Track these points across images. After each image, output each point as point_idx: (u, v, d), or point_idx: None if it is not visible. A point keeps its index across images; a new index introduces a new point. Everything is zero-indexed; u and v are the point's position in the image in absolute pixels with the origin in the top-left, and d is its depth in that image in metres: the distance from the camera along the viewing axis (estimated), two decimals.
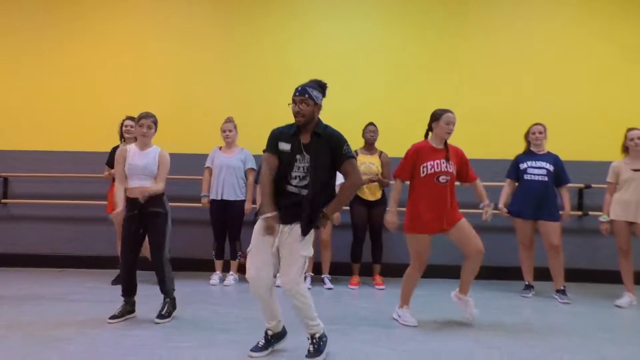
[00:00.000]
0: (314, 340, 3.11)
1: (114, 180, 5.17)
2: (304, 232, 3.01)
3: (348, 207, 5.33)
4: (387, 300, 4.76)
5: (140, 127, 3.92)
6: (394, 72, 6.07)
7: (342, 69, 6.07)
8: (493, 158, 5.83)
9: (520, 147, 5.22)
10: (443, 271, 5.73)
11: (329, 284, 5.28)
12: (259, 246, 3.06)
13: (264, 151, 3.24)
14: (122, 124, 5.32)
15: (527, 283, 5.09)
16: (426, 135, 3.98)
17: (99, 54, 6.25)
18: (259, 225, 3.08)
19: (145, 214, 3.88)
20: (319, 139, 3.07)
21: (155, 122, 3.99)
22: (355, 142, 5.45)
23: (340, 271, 5.70)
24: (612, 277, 5.56)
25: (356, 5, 6.16)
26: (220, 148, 5.54)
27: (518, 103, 5.96)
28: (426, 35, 6.10)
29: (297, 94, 3.05)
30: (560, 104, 5.93)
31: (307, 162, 3.05)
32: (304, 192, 3.03)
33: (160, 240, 3.91)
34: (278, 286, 5.00)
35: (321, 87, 3.16)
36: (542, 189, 4.84)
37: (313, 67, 6.07)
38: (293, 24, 6.17)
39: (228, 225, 5.42)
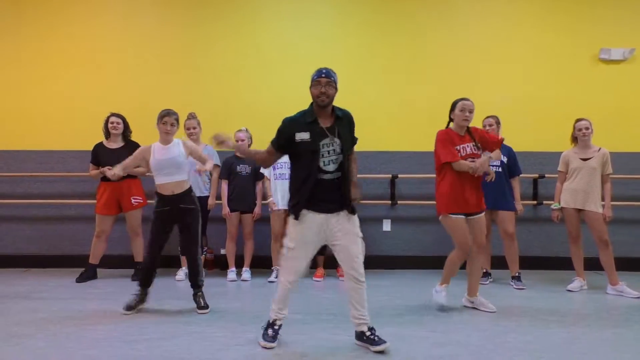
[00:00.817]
0: (372, 330, 3.17)
1: (102, 179, 5.26)
2: (354, 211, 3.14)
3: None
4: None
5: (164, 124, 3.99)
6: (352, 69, 6.17)
7: (304, 62, 6.16)
8: None
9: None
10: (403, 262, 5.92)
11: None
12: (302, 247, 3.12)
13: (271, 142, 3.21)
14: (107, 121, 5.31)
15: (484, 271, 5.28)
16: (447, 126, 4.12)
17: (62, 54, 6.21)
18: (295, 224, 3.11)
19: (177, 211, 3.98)
20: (341, 120, 3.16)
21: (178, 120, 4.10)
22: None
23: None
24: (565, 264, 5.79)
25: (321, 2, 6.26)
26: None
27: (473, 97, 6.11)
28: (382, 33, 6.22)
29: (324, 75, 3.08)
30: (512, 97, 6.14)
31: (335, 146, 3.09)
32: (338, 174, 3.09)
33: (194, 236, 4.06)
34: (272, 281, 5.20)
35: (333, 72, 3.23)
36: (496, 180, 4.98)
37: (275, 62, 6.16)
38: (255, 18, 6.23)
39: None
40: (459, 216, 3.92)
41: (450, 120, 4.09)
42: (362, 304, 3.16)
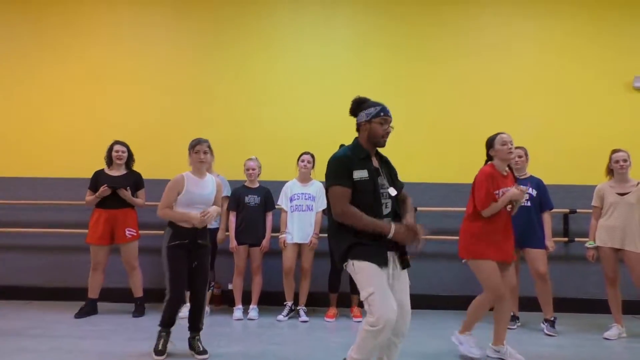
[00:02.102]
0: None
1: (96, 205, 5.05)
2: (407, 264, 2.83)
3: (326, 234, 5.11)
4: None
5: (197, 153, 3.78)
6: (370, 97, 5.88)
7: (316, 86, 5.93)
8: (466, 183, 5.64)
9: None
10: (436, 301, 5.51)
11: (304, 317, 5.02)
12: (382, 285, 2.63)
13: (329, 185, 2.77)
14: (110, 149, 5.16)
15: (512, 314, 4.84)
16: (486, 162, 3.82)
17: (56, 78, 6.11)
18: (369, 266, 2.64)
19: (193, 246, 3.75)
20: (386, 164, 2.97)
21: (210, 147, 3.91)
22: None
23: (319, 302, 5.44)
24: (601, 307, 5.32)
25: (333, 29, 6.06)
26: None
27: (497, 128, 5.78)
28: (403, 59, 5.98)
29: (390, 114, 2.89)
30: (540, 127, 5.78)
31: (386, 189, 2.82)
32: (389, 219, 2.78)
33: (205, 272, 3.85)
34: (305, 321, 4.89)
35: None
36: (525, 215, 4.61)
37: (287, 89, 5.95)
38: (271, 45, 6.06)
39: None
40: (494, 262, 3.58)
41: (489, 158, 3.76)
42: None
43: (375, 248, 2.67)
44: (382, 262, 2.65)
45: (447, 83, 5.94)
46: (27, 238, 5.88)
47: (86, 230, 5.45)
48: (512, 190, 3.54)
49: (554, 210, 4.87)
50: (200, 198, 3.74)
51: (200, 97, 6.03)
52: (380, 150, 2.97)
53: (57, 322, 4.74)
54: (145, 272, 5.36)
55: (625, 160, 4.48)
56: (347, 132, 5.60)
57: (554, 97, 5.86)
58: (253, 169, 5.20)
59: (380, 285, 2.58)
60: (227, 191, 5.30)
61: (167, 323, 3.76)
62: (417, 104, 5.92)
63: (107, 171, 5.16)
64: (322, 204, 5.09)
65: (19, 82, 6.10)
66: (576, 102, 5.84)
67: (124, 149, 5.16)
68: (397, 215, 2.82)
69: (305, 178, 5.17)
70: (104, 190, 4.94)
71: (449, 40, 5.99)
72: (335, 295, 5.18)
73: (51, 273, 5.84)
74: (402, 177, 5.52)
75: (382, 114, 2.83)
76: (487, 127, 5.68)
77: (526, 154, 4.85)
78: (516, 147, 4.84)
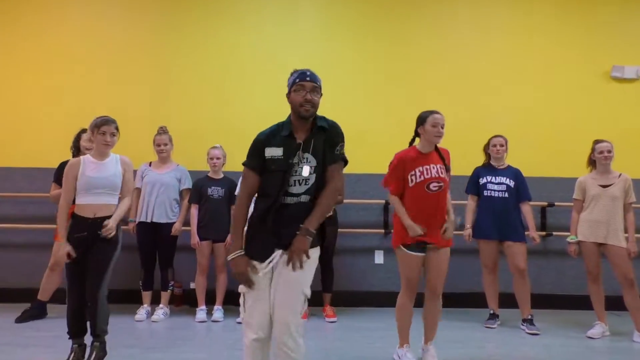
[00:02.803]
0: None
1: None
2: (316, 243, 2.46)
3: None
4: (338, 336, 4.18)
5: (102, 135, 3.29)
6: (342, 83, 5.58)
7: (283, 75, 5.54)
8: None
9: (478, 163, 4.85)
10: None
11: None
12: (256, 291, 2.41)
13: (243, 164, 2.52)
14: (78, 137, 4.52)
15: (491, 312, 4.63)
16: (411, 143, 3.51)
17: (8, 62, 5.53)
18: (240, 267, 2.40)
19: (94, 238, 3.22)
20: (321, 134, 2.49)
21: (118, 129, 3.38)
22: None
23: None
24: (579, 303, 5.21)
25: (303, 9, 5.69)
26: (151, 164, 4.90)
27: (477, 116, 5.59)
28: (376, 42, 5.66)
29: (308, 78, 2.45)
30: (521, 118, 5.59)
31: (308, 162, 2.44)
32: (304, 198, 2.43)
33: (101, 268, 3.24)
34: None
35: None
36: (502, 206, 4.46)
37: (254, 75, 5.56)
38: (234, 29, 5.63)
39: (159, 251, 4.76)
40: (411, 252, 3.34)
41: (417, 135, 3.47)
42: None
43: (260, 244, 2.41)
44: (263, 258, 2.39)
45: (419, 69, 5.66)
46: None
47: (30, 226, 4.97)
48: (412, 228, 3.28)
49: (531, 203, 4.68)
50: (100, 182, 3.28)
51: (158, 82, 5.55)
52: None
53: None
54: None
55: (609, 151, 4.31)
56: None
57: (532, 87, 5.67)
58: (217, 158, 4.79)
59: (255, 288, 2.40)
60: (188, 183, 4.89)
61: (71, 332, 3.27)
62: (387, 90, 5.63)
63: None
64: None
65: None
66: (554, 93, 5.66)
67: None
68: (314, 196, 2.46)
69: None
70: None
71: (422, 23, 5.71)
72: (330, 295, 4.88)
73: None
74: (375, 169, 5.45)
75: (297, 80, 2.47)
76: (462, 116, 5.53)
77: (506, 143, 4.66)
78: (496, 136, 4.68)
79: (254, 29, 5.64)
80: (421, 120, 3.39)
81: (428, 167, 3.29)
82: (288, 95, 2.51)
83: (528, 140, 5.52)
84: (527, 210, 4.59)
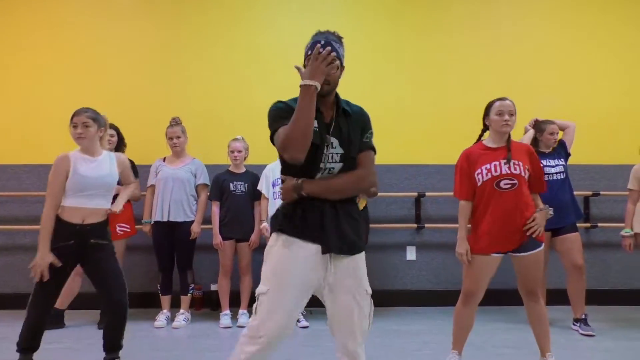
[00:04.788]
0: None
1: None
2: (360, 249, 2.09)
3: None
4: (379, 342, 3.85)
5: (74, 127, 2.93)
6: (368, 70, 5.22)
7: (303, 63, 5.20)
8: None
9: None
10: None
11: (303, 322, 4.32)
12: (283, 282, 1.99)
13: (272, 132, 2.08)
14: None
15: None
16: (480, 137, 3.16)
17: (7, 55, 5.18)
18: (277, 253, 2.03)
19: (84, 246, 2.88)
20: (348, 118, 2.13)
21: (97, 119, 2.99)
22: None
23: (316, 302, 4.75)
24: (626, 298, 4.88)
25: None
26: (164, 159, 4.56)
27: (523, 101, 5.21)
28: (408, 28, 5.31)
29: (323, 42, 2.09)
30: (563, 103, 5.21)
31: (334, 149, 2.07)
32: None
33: (117, 276, 2.97)
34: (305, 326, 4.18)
35: (341, 40, 2.25)
36: (562, 189, 4.10)
37: (274, 60, 5.17)
38: (250, 13, 5.27)
39: (177, 252, 4.43)
40: (478, 256, 2.94)
41: (485, 128, 3.12)
42: None
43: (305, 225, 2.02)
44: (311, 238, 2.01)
45: (456, 56, 5.30)
46: None
47: (36, 227, 4.62)
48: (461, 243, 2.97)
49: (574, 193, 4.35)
50: (96, 182, 2.94)
51: (174, 72, 5.20)
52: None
53: (4, 338, 3.91)
54: (129, 273, 4.56)
55: None
56: None
57: (573, 71, 5.31)
58: (239, 151, 4.45)
59: (278, 283, 1.99)
60: (204, 178, 4.55)
61: (25, 348, 2.94)
62: (423, 79, 5.28)
63: None
64: None
65: None
66: (599, 77, 5.31)
67: (113, 132, 4.28)
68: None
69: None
70: None
71: (459, 9, 5.34)
72: None
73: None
74: (406, 159, 5.10)
75: (309, 52, 2.14)
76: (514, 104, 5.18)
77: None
78: (550, 122, 4.28)
79: (278, 12, 5.29)
80: (487, 109, 3.04)
81: (497, 163, 2.89)
82: (303, 68, 2.11)
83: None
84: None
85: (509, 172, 2.87)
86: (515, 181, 2.87)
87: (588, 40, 5.34)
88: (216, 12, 5.24)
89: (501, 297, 4.63)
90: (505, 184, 2.87)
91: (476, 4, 5.36)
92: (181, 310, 4.42)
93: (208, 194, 4.54)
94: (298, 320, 4.33)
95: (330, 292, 2.05)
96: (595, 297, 4.99)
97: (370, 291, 2.13)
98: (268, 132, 2.13)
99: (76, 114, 2.96)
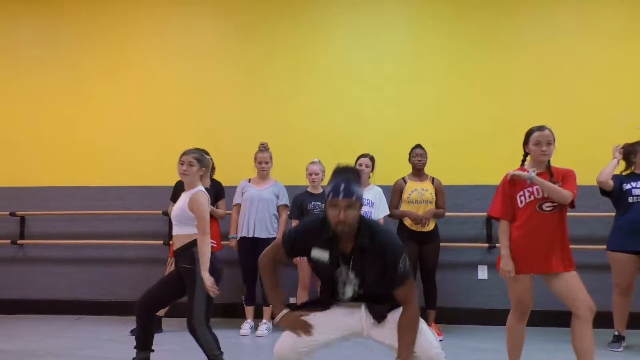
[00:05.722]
0: None
1: None
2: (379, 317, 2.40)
3: None
4: (449, 355, 3.98)
5: (181, 164, 3.34)
6: (440, 89, 5.44)
7: (378, 84, 5.48)
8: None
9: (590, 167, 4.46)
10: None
11: None
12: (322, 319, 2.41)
13: (283, 236, 2.55)
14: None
15: (616, 333, 4.25)
16: (523, 162, 3.30)
17: (118, 84, 5.85)
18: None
19: (178, 269, 3.32)
20: (363, 254, 2.32)
21: (200, 160, 3.37)
22: (401, 167, 4.83)
23: None
24: None
25: (395, 16, 5.61)
26: (250, 180, 4.99)
27: (583, 121, 5.22)
28: (473, 49, 5.46)
29: (342, 195, 2.21)
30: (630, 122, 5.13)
31: (350, 280, 2.38)
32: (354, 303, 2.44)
33: (189, 299, 3.24)
34: None
35: (358, 176, 2.41)
36: None
37: (348, 88, 5.52)
38: (328, 44, 5.65)
39: None
40: (520, 276, 3.04)
41: (526, 154, 3.23)
42: None
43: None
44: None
45: (522, 74, 5.38)
46: (70, 250, 5.66)
47: (141, 242, 5.26)
48: (505, 262, 3.06)
49: None
50: (173, 214, 3.35)
51: (257, 98, 5.67)
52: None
53: (111, 340, 4.44)
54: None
55: None
56: (415, 130, 5.20)
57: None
58: (316, 174, 4.79)
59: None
60: (285, 199, 4.95)
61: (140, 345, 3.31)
62: (489, 97, 5.39)
63: None
64: (383, 210, 4.69)
65: (50, 91, 5.89)
66: None
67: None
68: (377, 297, 2.40)
69: (362, 182, 4.73)
70: None
71: (522, 28, 5.45)
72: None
73: (101, 286, 5.58)
74: (476, 180, 5.22)
75: (330, 196, 2.25)
76: (567, 123, 5.19)
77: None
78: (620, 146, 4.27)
79: (347, 37, 5.63)
80: (526, 137, 3.18)
81: (537, 187, 3.03)
82: (325, 208, 2.33)
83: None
84: None
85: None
86: (557, 204, 2.99)
87: None
88: (299, 48, 5.65)
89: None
90: (547, 207, 3.00)
91: (540, 17, 5.42)
92: (263, 320, 4.78)
93: (288, 213, 4.90)
94: None
95: None
96: None
97: None
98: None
99: (185, 153, 3.35)
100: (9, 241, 5.62)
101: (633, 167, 4.31)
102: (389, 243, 2.31)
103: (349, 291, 2.39)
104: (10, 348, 4.15)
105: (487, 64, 5.43)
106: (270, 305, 4.72)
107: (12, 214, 5.64)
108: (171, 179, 5.02)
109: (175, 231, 3.32)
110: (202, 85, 5.75)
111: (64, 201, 5.71)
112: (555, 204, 2.99)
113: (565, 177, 3.08)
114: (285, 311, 2.41)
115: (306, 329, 2.34)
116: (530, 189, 3.04)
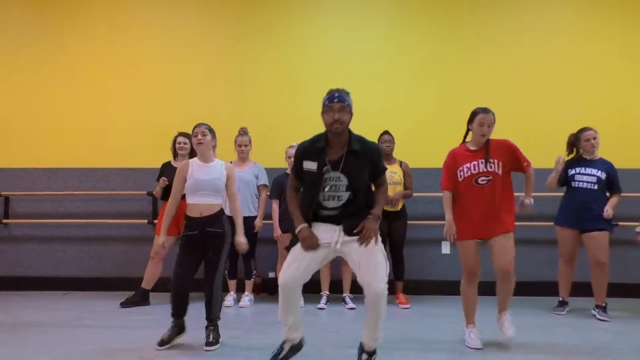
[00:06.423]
0: (373, 356, 2.98)
1: (164, 197, 4.99)
2: (348, 232, 2.93)
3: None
4: (415, 320, 4.47)
5: (195, 136, 3.70)
6: (408, 83, 5.86)
7: (356, 75, 5.85)
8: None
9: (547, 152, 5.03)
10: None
11: (350, 304, 4.99)
12: (299, 256, 2.89)
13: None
14: (174, 141, 5.16)
15: (560, 299, 4.81)
16: (465, 138, 3.76)
17: (102, 66, 6.04)
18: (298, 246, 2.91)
19: (204, 234, 3.61)
20: (356, 156, 2.86)
21: (211, 130, 3.76)
22: None
23: (360, 290, 5.38)
24: None
25: (371, 11, 5.96)
26: (231, 162, 5.29)
27: (551, 109, 5.75)
28: (445, 42, 5.90)
29: (336, 100, 2.81)
30: (588, 111, 5.70)
31: (339, 181, 2.83)
32: (335, 212, 2.90)
33: (215, 262, 3.61)
34: (352, 308, 4.88)
35: (348, 94, 2.97)
36: (589, 197, 4.57)
37: (327, 74, 5.85)
38: (305, 30, 5.97)
39: None
40: (465, 242, 3.60)
41: (468, 131, 3.71)
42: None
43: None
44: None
45: (483, 70, 5.86)
46: (54, 229, 5.87)
47: (124, 220, 5.50)
48: (449, 225, 3.63)
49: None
50: (207, 184, 3.63)
51: (240, 85, 5.97)
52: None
53: (103, 311, 4.71)
54: None
55: None
56: (384, 117, 5.60)
57: (597, 82, 5.80)
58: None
59: (295, 255, 2.89)
60: (264, 179, 5.27)
61: (173, 313, 3.62)
62: (454, 90, 5.85)
63: (173, 163, 5.14)
64: None
65: (38, 72, 6.03)
66: (623, 87, 5.78)
67: (186, 140, 5.09)
68: (354, 210, 2.90)
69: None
70: (162, 182, 4.93)
71: (485, 26, 5.91)
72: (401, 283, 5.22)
73: (86, 263, 5.82)
74: (437, 164, 5.65)
75: (326, 102, 2.85)
76: (529, 111, 5.71)
77: (597, 136, 4.73)
78: (587, 129, 4.73)
79: (325, 31, 5.97)
80: (471, 116, 3.63)
81: (476, 162, 3.53)
82: (322, 115, 2.89)
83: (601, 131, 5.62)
84: (613, 199, 4.63)
85: (485, 170, 3.49)
86: (491, 177, 3.49)
87: (610, 54, 5.81)
88: (276, 33, 5.98)
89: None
90: (482, 180, 3.50)
91: (502, 21, 5.90)
92: (246, 293, 5.15)
93: (268, 193, 5.24)
94: (345, 303, 5.00)
95: None
96: (617, 290, 5.45)
97: None
98: None
99: (197, 126, 3.72)
100: None
101: (581, 152, 4.77)
102: (374, 146, 2.96)
103: (332, 194, 2.87)
104: (7, 320, 4.38)
105: (454, 61, 5.90)
106: (252, 278, 5.12)
107: None
108: (156, 161, 5.31)
109: (205, 200, 3.63)
110: (186, 70, 6.00)
111: (48, 182, 5.89)
112: (490, 177, 3.49)
113: (507, 151, 3.54)
114: (303, 225, 2.89)
115: (314, 245, 2.85)
116: (468, 165, 3.54)
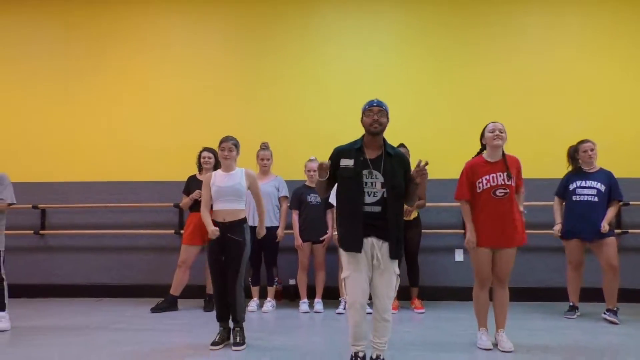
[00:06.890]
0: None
1: (191, 208, 5.35)
2: (395, 255, 3.10)
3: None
4: (430, 324, 4.69)
5: (222, 150, 4.02)
6: (423, 96, 6.11)
7: (370, 91, 6.07)
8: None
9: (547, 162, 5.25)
10: None
11: (368, 309, 5.19)
12: (356, 271, 3.08)
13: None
14: (199, 155, 5.47)
15: (571, 304, 4.99)
16: (479, 153, 3.97)
17: (133, 86, 6.40)
18: (346, 255, 3.12)
19: (225, 240, 3.90)
20: (391, 158, 3.18)
21: (237, 145, 4.09)
22: None
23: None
24: None
25: (383, 29, 6.25)
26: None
27: (555, 124, 5.95)
28: (457, 58, 6.15)
29: (375, 104, 3.17)
30: (592, 123, 5.89)
31: (376, 178, 3.11)
32: (376, 208, 3.10)
33: (236, 266, 3.88)
34: (340, 313, 5.09)
35: (384, 104, 3.28)
36: (591, 209, 4.73)
37: (342, 91, 6.14)
38: (320, 50, 6.27)
39: (264, 251, 5.42)
40: (480, 249, 3.78)
41: (483, 147, 3.92)
42: (383, 335, 3.18)
43: (350, 236, 3.10)
44: (356, 249, 3.06)
45: (488, 87, 6.10)
46: (87, 240, 6.21)
47: (151, 231, 5.81)
48: (470, 234, 3.79)
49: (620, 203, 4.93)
50: (227, 190, 3.92)
51: (260, 101, 6.27)
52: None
53: (136, 316, 5.02)
54: None
55: None
56: (399, 130, 5.84)
57: (599, 95, 5.99)
58: (314, 170, 5.40)
59: (354, 270, 3.07)
60: (284, 191, 5.53)
61: (217, 316, 3.96)
62: (463, 105, 6.09)
63: (198, 176, 5.45)
64: None
65: (70, 90, 6.41)
66: (625, 99, 5.96)
67: (211, 154, 5.40)
68: (393, 211, 3.11)
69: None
70: (197, 193, 5.19)
71: (490, 43, 6.15)
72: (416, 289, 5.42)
73: (117, 272, 6.15)
74: (450, 174, 5.90)
75: (366, 107, 3.21)
76: (536, 123, 5.93)
77: (595, 147, 4.87)
78: (585, 141, 4.89)
79: (339, 50, 6.26)
80: (483, 131, 3.89)
81: (495, 175, 3.72)
82: (361, 120, 3.24)
83: (602, 142, 5.77)
84: (612, 207, 4.77)
85: (503, 182, 3.70)
86: (508, 190, 3.70)
87: (610, 67, 6.00)
88: (292, 53, 6.29)
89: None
90: (500, 193, 3.71)
91: (502, 38, 6.14)
92: (268, 299, 5.42)
93: (288, 204, 5.52)
94: None
95: None
96: (627, 296, 5.61)
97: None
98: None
99: (224, 140, 4.03)
100: (32, 232, 6.16)
101: (579, 164, 4.93)
102: (404, 154, 3.28)
103: (369, 190, 3.10)
104: (46, 324, 4.70)
105: (466, 76, 6.14)
106: (275, 284, 5.40)
107: (35, 207, 6.18)
108: (182, 175, 5.63)
109: (228, 206, 3.93)
110: (209, 89, 6.33)
111: (82, 195, 6.26)
112: (507, 190, 3.69)
113: (517, 169, 3.80)
114: (326, 162, 3.14)
115: (325, 169, 3.11)
116: (487, 177, 3.73)
